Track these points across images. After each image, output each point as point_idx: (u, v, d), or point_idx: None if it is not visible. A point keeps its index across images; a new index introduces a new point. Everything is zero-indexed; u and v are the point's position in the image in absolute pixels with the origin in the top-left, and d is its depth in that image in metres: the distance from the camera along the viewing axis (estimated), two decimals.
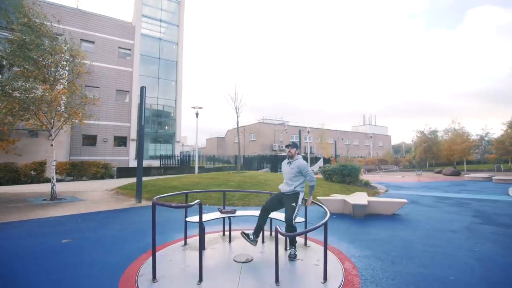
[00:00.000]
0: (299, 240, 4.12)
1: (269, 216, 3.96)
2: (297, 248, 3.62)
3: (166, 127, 26.61)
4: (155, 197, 3.58)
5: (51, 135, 8.48)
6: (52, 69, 8.27)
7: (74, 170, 15.43)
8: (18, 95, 7.48)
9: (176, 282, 2.91)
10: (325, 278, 2.83)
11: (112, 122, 23.03)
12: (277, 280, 2.74)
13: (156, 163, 22.88)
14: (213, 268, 3.29)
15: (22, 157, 14.82)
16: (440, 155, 33.25)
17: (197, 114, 16.84)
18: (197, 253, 3.21)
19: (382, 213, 6.42)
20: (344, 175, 11.82)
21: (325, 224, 2.86)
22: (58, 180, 12.58)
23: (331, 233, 4.34)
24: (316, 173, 22.66)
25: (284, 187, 3.89)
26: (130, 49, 23.95)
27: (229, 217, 4.24)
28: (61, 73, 8.59)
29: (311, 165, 24.96)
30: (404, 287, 2.75)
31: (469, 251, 3.84)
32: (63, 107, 8.67)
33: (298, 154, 4.02)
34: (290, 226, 3.58)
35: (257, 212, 4.14)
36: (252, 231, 3.81)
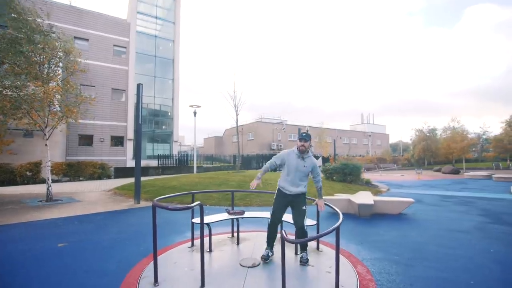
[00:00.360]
0: (311, 244, 3.94)
1: None
2: (308, 253, 3.44)
3: (164, 127, 26.31)
4: (156, 198, 3.37)
5: (45, 134, 8.21)
6: (45, 65, 7.99)
7: (71, 171, 15.11)
8: (9, 93, 7.20)
9: (178, 286, 2.73)
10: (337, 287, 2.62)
11: (109, 122, 22.66)
12: None
13: (154, 163, 22.59)
14: (217, 272, 3.11)
15: (18, 157, 14.48)
16: (438, 154, 33.30)
17: (195, 113, 16.60)
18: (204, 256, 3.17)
19: (388, 213, 6.26)
20: (346, 174, 11.67)
21: (337, 229, 2.64)
22: (54, 181, 12.29)
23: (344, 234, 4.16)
24: None
25: (292, 188, 3.38)
26: (125, 47, 23.57)
27: (237, 219, 4.04)
28: (54, 69, 8.30)
29: None
30: None
31: (484, 252, 3.68)
32: (57, 106, 8.40)
33: (311, 146, 3.54)
34: (302, 229, 3.32)
35: (264, 214, 3.97)
36: (266, 252, 3.41)
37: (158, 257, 2.98)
